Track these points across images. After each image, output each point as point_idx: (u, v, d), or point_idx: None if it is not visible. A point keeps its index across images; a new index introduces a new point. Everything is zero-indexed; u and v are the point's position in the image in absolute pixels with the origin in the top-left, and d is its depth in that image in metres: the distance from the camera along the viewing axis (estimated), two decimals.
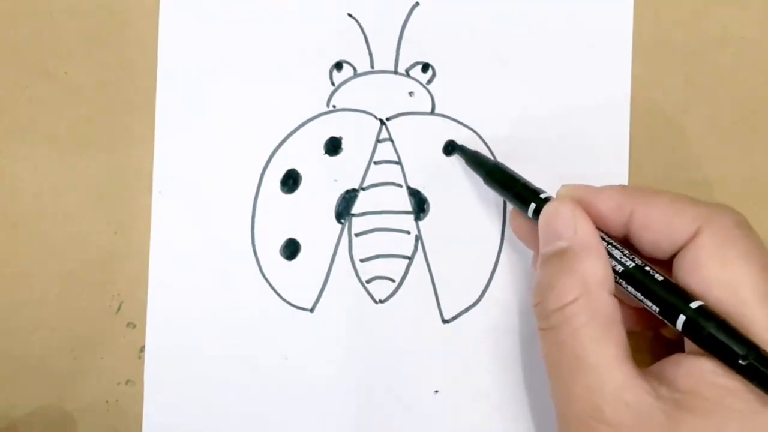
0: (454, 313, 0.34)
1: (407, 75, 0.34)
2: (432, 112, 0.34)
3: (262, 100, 0.34)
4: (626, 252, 0.28)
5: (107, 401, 0.34)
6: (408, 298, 0.34)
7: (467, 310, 0.34)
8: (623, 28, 0.34)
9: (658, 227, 0.27)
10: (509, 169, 0.32)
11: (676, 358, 0.27)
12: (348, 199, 0.34)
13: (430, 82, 0.34)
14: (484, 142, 0.34)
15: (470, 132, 0.34)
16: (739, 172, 0.34)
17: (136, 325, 0.34)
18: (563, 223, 0.28)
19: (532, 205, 0.30)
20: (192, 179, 0.34)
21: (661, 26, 0.34)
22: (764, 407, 0.25)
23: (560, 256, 0.28)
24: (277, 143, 0.34)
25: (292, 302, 0.34)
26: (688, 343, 0.27)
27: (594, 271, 0.27)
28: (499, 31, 0.34)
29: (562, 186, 0.30)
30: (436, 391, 0.34)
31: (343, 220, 0.34)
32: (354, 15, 0.34)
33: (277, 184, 0.34)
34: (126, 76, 0.34)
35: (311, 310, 0.34)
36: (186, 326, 0.34)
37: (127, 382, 0.34)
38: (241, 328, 0.34)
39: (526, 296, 0.34)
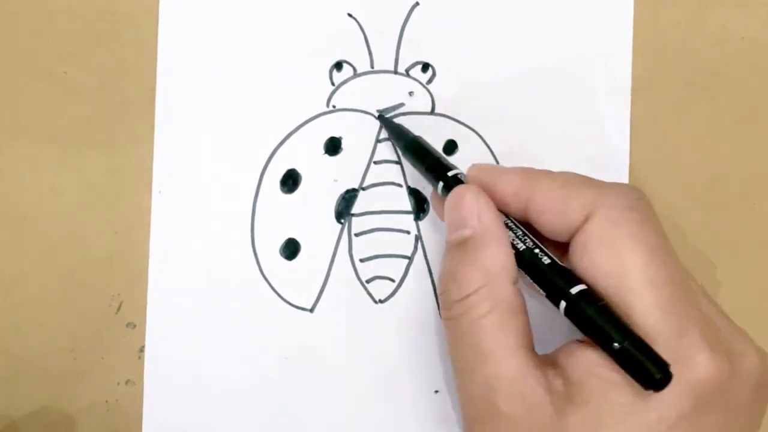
0: None
1: (407, 75, 0.34)
2: (432, 112, 0.34)
3: (262, 100, 0.34)
4: (519, 233, 0.28)
5: (107, 401, 0.34)
6: (408, 298, 0.34)
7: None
8: (623, 28, 0.34)
9: (551, 212, 0.27)
10: (427, 143, 0.32)
11: (569, 346, 0.27)
12: (348, 199, 0.34)
13: (430, 82, 0.34)
14: (485, 142, 0.34)
15: (470, 132, 0.34)
16: (740, 172, 0.34)
17: (136, 325, 0.34)
18: (467, 211, 0.28)
19: (440, 183, 0.30)
20: (192, 179, 0.34)
21: (661, 26, 0.34)
22: (642, 401, 0.24)
23: (463, 245, 0.27)
24: (277, 143, 0.34)
25: (292, 302, 0.34)
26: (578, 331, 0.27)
27: (496, 261, 0.27)
28: (499, 31, 0.34)
29: (473, 165, 0.30)
30: (436, 391, 0.34)
31: (343, 220, 0.34)
32: (354, 15, 0.34)
33: (277, 184, 0.34)
34: (126, 76, 0.34)
35: (311, 310, 0.34)
36: (186, 326, 0.34)
37: (127, 382, 0.34)
38: (241, 328, 0.34)
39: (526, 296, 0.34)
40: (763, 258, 0.35)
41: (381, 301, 0.34)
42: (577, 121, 0.34)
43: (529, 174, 0.28)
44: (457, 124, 0.34)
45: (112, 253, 0.34)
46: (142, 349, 0.34)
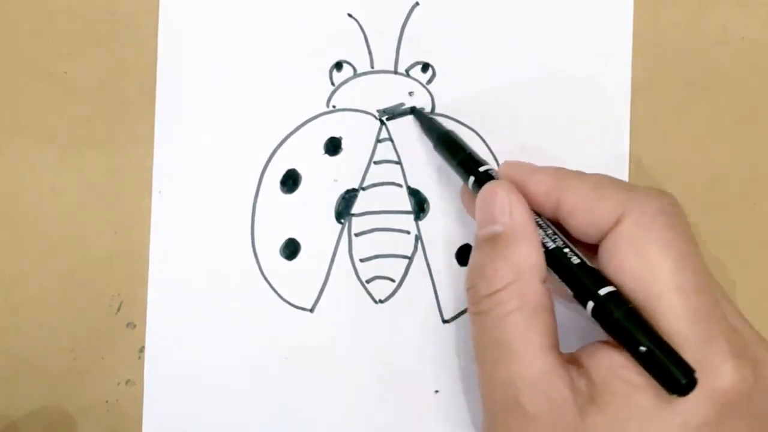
0: (454, 313, 0.34)
1: (407, 75, 0.34)
2: (432, 112, 0.34)
3: (262, 100, 0.34)
4: (550, 232, 0.28)
5: (107, 401, 0.34)
6: (408, 298, 0.34)
7: (467, 310, 0.34)
8: (623, 28, 0.34)
9: (582, 213, 0.27)
10: (460, 138, 0.32)
11: (592, 347, 0.26)
12: (348, 199, 0.34)
13: (430, 82, 0.34)
14: (484, 142, 0.34)
15: (470, 132, 0.34)
16: (740, 172, 0.34)
17: (136, 325, 0.34)
18: (499, 207, 0.27)
19: (471, 178, 0.30)
20: (192, 179, 0.34)
21: (661, 26, 0.34)
22: (665, 405, 0.24)
23: (494, 241, 0.27)
24: (277, 143, 0.34)
25: (292, 302, 0.34)
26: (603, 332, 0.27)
27: (526, 258, 0.27)
28: (499, 31, 0.34)
29: (505, 162, 0.30)
30: (436, 391, 0.34)
31: (343, 220, 0.34)
32: (354, 15, 0.34)
33: (277, 184, 0.34)
34: (126, 76, 0.34)
35: (311, 310, 0.34)
36: (186, 326, 0.34)
37: (127, 382, 0.34)
38: (241, 328, 0.34)
39: None
40: (763, 258, 0.35)
41: (381, 301, 0.34)
42: (577, 121, 0.34)
43: (560, 174, 0.28)
44: (457, 124, 0.34)
45: (112, 253, 0.34)
46: (142, 349, 0.34)
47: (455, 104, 0.34)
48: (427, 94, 0.34)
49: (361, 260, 0.34)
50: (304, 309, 0.34)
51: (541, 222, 0.28)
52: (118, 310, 0.34)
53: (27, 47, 0.34)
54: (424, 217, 0.34)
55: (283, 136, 0.34)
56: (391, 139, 0.34)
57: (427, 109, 0.34)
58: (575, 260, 0.27)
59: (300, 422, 0.34)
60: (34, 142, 0.34)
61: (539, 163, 0.34)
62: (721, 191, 0.34)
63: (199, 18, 0.34)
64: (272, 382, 0.34)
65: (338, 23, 0.34)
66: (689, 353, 0.24)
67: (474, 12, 0.34)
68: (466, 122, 0.34)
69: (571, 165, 0.34)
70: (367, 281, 0.34)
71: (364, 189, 0.34)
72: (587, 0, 0.34)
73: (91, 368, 0.34)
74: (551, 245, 0.27)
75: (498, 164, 0.34)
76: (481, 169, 0.30)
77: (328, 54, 0.34)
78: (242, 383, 0.34)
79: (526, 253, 0.27)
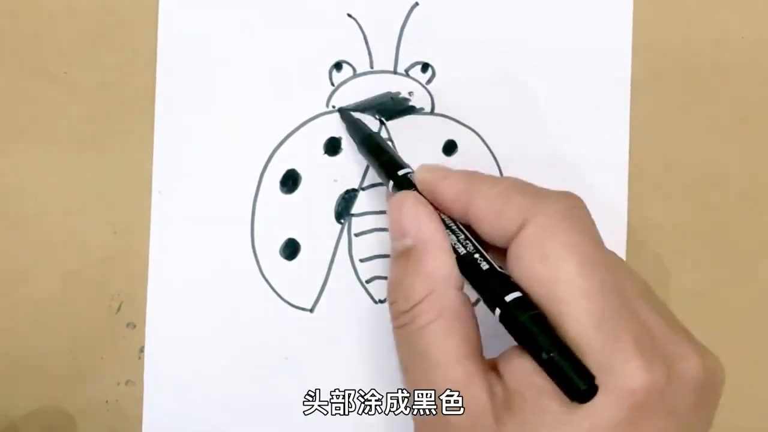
0: None
1: (407, 75, 0.34)
2: (432, 112, 0.34)
3: (262, 100, 0.34)
4: (462, 237, 0.27)
5: (107, 401, 0.34)
6: None
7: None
8: (623, 28, 0.34)
9: (490, 219, 0.27)
10: (383, 140, 0.32)
11: (509, 352, 0.26)
12: (348, 199, 0.34)
13: (429, 82, 0.34)
14: (484, 142, 0.34)
15: (470, 132, 0.34)
16: (740, 172, 0.34)
17: (136, 325, 0.34)
18: (407, 219, 0.27)
19: (391, 182, 0.30)
20: (192, 179, 0.34)
21: (661, 26, 0.34)
22: (574, 409, 0.24)
23: (407, 254, 0.27)
24: (277, 143, 0.34)
25: (292, 302, 0.34)
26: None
27: (438, 270, 0.27)
28: (499, 31, 0.34)
29: (420, 166, 0.29)
30: None
31: (342, 220, 0.34)
32: (354, 15, 0.34)
33: (277, 184, 0.34)
34: (126, 76, 0.34)
35: (311, 310, 0.34)
36: (186, 326, 0.34)
37: (127, 382, 0.34)
38: (241, 328, 0.34)
39: None
40: (763, 258, 0.35)
41: (381, 301, 0.34)
42: (577, 122, 0.34)
43: (471, 179, 0.28)
44: (457, 124, 0.34)
45: (112, 253, 0.34)
46: (142, 349, 0.34)
47: (455, 104, 0.34)
48: (427, 94, 0.34)
49: (361, 260, 0.34)
50: (303, 309, 0.34)
51: (453, 227, 0.28)
52: (118, 310, 0.34)
53: (27, 47, 0.34)
54: None
55: (283, 136, 0.34)
56: (390, 139, 0.34)
57: (427, 109, 0.34)
58: (484, 266, 0.26)
59: (300, 422, 0.34)
60: (34, 142, 0.34)
61: (539, 163, 0.34)
62: (721, 191, 0.34)
63: (199, 18, 0.34)
64: (272, 382, 0.34)
65: (338, 23, 0.34)
66: (594, 357, 0.24)
67: (474, 12, 0.34)
68: (466, 122, 0.34)
69: (571, 165, 0.34)
70: (367, 281, 0.34)
71: (363, 189, 0.34)
72: (587, 0, 0.34)
73: (91, 368, 0.34)
74: (462, 251, 0.27)
75: (498, 164, 0.34)
76: (400, 172, 0.29)
77: (327, 54, 0.34)
78: (242, 383, 0.34)
79: (438, 265, 0.27)
